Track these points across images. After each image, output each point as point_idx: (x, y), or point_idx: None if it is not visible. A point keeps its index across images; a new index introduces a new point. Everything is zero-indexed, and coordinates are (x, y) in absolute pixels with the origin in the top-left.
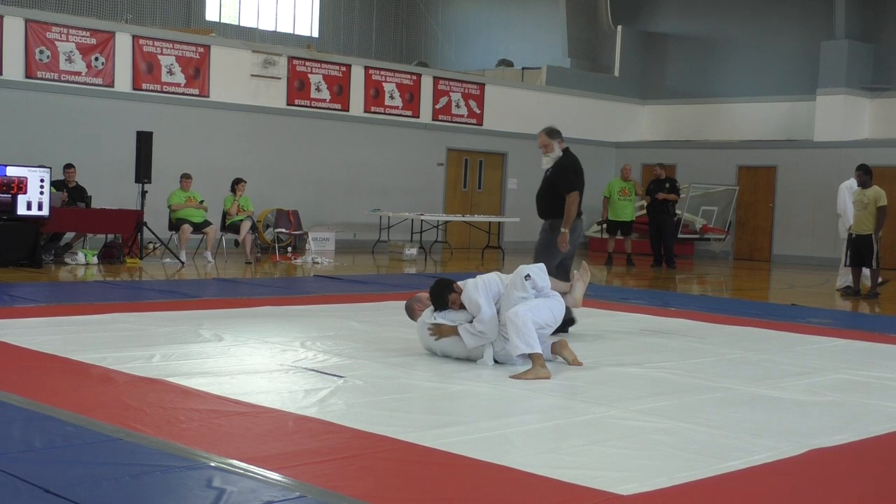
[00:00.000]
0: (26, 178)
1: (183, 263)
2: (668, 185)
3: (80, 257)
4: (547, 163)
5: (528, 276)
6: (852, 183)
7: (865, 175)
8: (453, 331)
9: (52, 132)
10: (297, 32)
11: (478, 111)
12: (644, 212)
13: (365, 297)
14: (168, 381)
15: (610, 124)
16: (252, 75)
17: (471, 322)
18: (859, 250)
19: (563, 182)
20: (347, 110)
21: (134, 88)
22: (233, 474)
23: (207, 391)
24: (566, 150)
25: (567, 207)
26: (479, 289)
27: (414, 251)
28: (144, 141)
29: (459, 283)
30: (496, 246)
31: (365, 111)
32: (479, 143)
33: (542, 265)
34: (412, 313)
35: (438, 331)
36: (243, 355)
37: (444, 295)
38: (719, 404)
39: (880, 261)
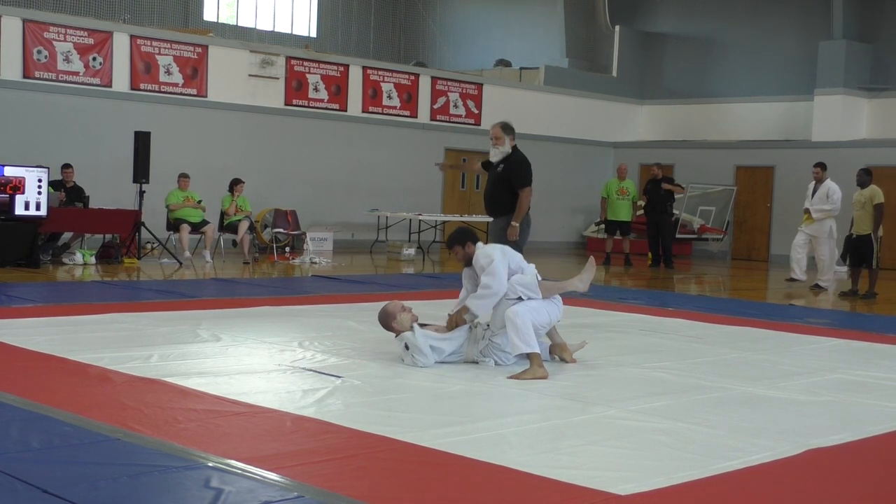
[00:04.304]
0: (24, 178)
1: (181, 264)
2: (663, 183)
3: (78, 257)
4: (496, 156)
5: (520, 298)
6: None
7: (866, 176)
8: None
9: (50, 132)
10: (294, 32)
11: (476, 111)
12: (640, 212)
13: (363, 297)
14: (166, 381)
15: (608, 124)
16: (250, 75)
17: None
18: (859, 250)
19: (519, 177)
20: (345, 110)
21: (132, 88)
22: (230, 474)
23: (205, 391)
24: (515, 147)
25: (521, 202)
26: (498, 249)
27: (412, 251)
28: (142, 141)
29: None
30: None
31: (363, 111)
32: (477, 143)
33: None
34: (390, 329)
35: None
36: (241, 355)
37: (456, 240)
38: (717, 404)
39: (878, 261)
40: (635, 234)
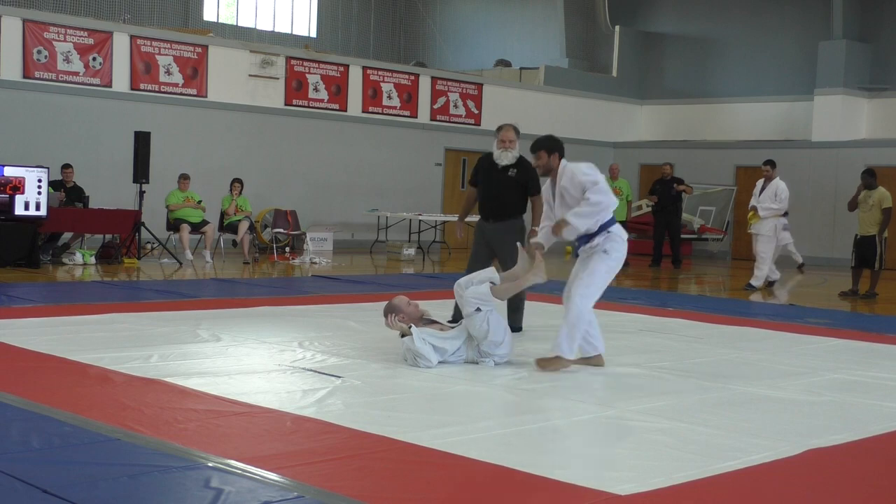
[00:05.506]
0: (24, 178)
1: (181, 264)
2: (674, 184)
3: (78, 257)
4: (506, 158)
5: (478, 309)
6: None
7: (870, 178)
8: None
9: (50, 132)
10: (294, 32)
11: (476, 111)
12: (641, 212)
13: (363, 297)
14: (166, 381)
15: (608, 124)
16: (250, 75)
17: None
18: (863, 251)
19: (537, 183)
20: (345, 110)
21: (132, 88)
22: (230, 474)
23: (205, 391)
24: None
25: (538, 207)
26: (597, 170)
27: (412, 251)
28: (142, 141)
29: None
30: None
31: (363, 111)
32: (476, 143)
33: (485, 289)
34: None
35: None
36: (241, 355)
37: (545, 145)
38: (717, 404)
39: (884, 262)
40: (635, 234)
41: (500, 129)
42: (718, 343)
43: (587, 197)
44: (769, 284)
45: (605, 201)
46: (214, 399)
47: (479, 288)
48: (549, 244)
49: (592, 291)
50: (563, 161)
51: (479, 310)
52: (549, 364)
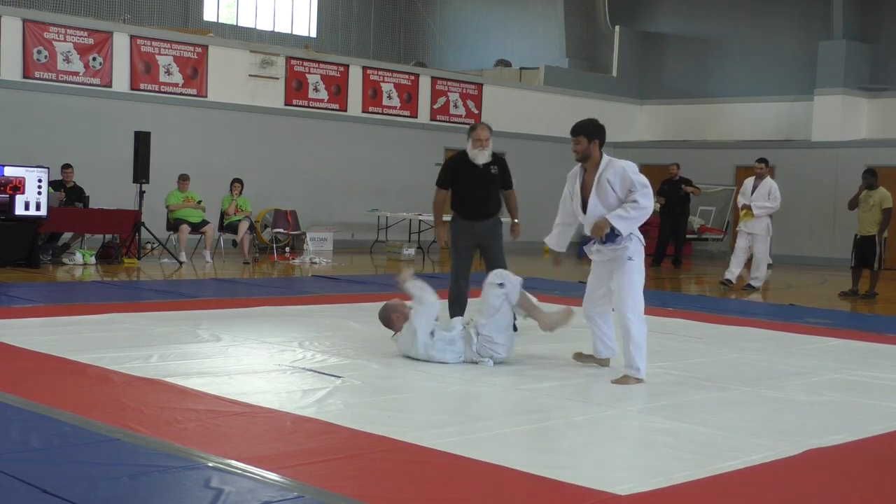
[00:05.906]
0: (24, 178)
1: (181, 264)
2: (683, 184)
3: (78, 257)
4: (484, 157)
5: (501, 284)
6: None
7: (872, 177)
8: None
9: (50, 132)
10: (294, 32)
11: (476, 111)
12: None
13: (363, 297)
14: (166, 381)
15: (608, 124)
16: (250, 75)
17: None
18: (863, 251)
19: (509, 177)
20: (345, 110)
21: (132, 88)
22: (231, 474)
23: (205, 391)
24: None
25: (516, 201)
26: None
27: (412, 251)
28: (142, 141)
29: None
30: None
31: (363, 111)
32: None
33: (517, 279)
34: (390, 324)
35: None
36: (241, 355)
37: (585, 130)
38: (717, 404)
39: (883, 262)
40: None
41: (473, 128)
42: (718, 343)
43: (636, 199)
44: (726, 283)
45: (650, 206)
46: (214, 399)
47: (515, 276)
48: (563, 249)
49: (640, 306)
50: (607, 156)
51: (502, 285)
52: (623, 381)
